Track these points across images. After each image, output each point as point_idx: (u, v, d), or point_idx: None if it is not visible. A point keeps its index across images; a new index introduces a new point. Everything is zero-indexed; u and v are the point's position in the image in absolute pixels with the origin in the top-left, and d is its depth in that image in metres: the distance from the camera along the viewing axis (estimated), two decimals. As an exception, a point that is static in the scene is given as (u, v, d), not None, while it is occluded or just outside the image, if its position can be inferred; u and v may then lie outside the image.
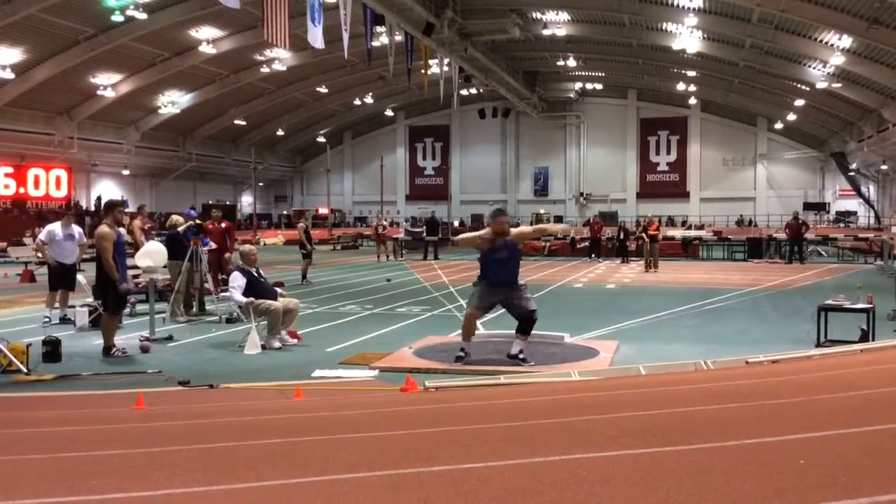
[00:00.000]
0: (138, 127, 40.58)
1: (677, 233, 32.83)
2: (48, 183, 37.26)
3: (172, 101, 39.11)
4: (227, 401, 6.12)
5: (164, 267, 10.82)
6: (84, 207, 38.69)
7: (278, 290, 10.05)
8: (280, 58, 35.61)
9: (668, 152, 50.00)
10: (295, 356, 8.78)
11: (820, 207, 43.95)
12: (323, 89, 43.30)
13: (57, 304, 11.31)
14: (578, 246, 29.49)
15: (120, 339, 9.02)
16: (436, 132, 54.25)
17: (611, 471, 2.63)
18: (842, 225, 40.61)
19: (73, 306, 11.08)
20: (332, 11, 20.15)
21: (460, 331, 8.44)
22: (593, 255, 27.49)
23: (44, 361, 8.00)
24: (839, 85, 31.65)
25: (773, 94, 39.56)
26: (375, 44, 25.00)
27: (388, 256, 27.92)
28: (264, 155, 50.39)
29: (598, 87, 47.97)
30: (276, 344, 9.15)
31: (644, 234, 22.59)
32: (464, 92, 39.32)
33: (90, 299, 11.08)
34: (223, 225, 14.43)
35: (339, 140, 55.16)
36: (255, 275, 9.68)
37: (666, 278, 19.54)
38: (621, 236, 26.19)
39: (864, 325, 8.51)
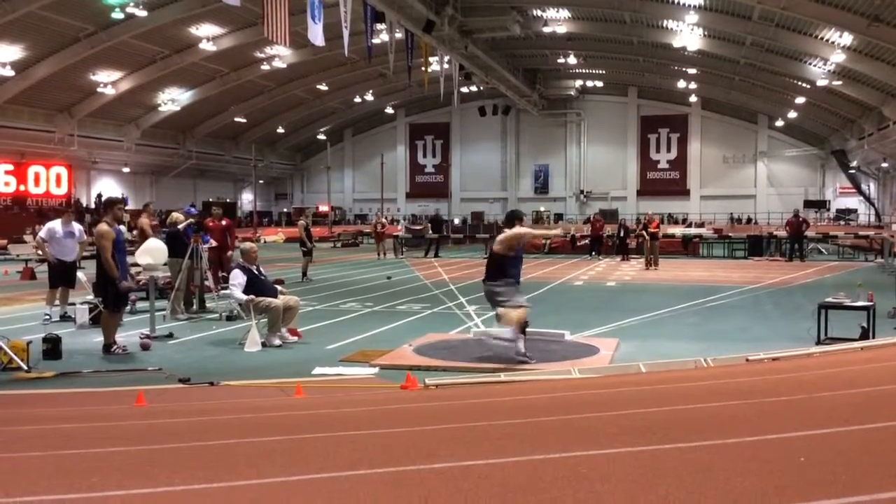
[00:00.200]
0: (138, 124, 40.57)
1: (677, 230, 32.79)
2: (48, 180, 37.29)
3: (172, 99, 39.08)
4: (228, 398, 6.13)
5: (165, 265, 10.82)
6: (84, 205, 38.69)
7: (279, 287, 10.07)
8: (280, 55, 35.56)
9: (669, 150, 49.98)
10: (295, 354, 8.78)
11: (820, 205, 43.90)
12: (323, 87, 43.29)
13: (57, 302, 11.32)
14: (579, 244, 29.46)
15: (120, 337, 9.02)
16: (436, 130, 54.20)
17: (611, 468, 2.63)
18: (842, 222, 40.55)
19: (74, 304, 11.09)
20: (333, 9, 20.09)
21: (512, 329, 7.76)
22: (594, 253, 27.47)
23: (44, 359, 8.00)
24: (840, 82, 31.66)
25: (774, 92, 39.52)
26: (376, 41, 24.99)
27: (385, 254, 27.92)
28: (265, 152, 50.35)
29: (599, 84, 47.93)
30: (277, 341, 9.16)
31: (644, 232, 22.59)
32: (464, 89, 39.27)
33: (90, 297, 11.09)
34: (223, 222, 14.47)
35: (339, 137, 55.12)
36: (256, 272, 9.70)
37: (666, 276, 19.53)
38: (622, 234, 26.17)
39: (865, 322, 8.52)
